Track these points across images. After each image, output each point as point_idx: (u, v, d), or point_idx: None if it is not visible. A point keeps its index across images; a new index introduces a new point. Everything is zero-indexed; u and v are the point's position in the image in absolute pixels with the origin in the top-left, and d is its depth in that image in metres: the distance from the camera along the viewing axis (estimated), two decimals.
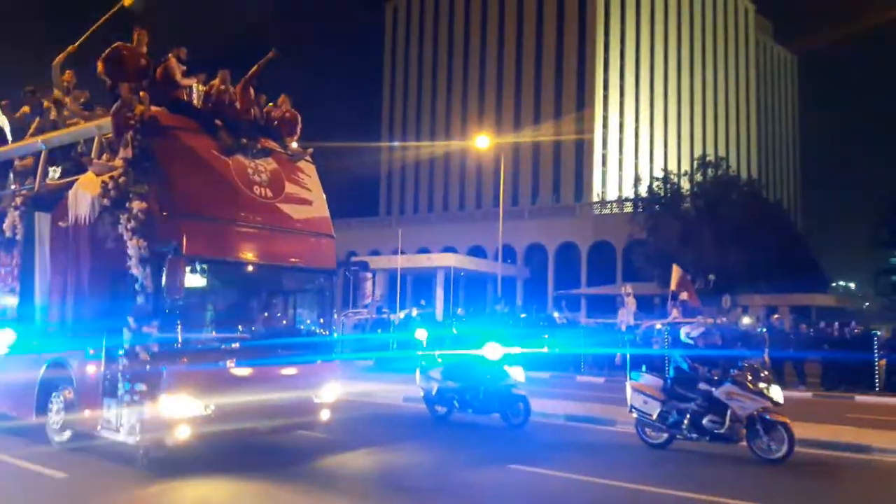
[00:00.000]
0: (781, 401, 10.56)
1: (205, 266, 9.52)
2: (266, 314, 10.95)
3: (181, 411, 9.09)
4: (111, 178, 9.77)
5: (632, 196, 60.18)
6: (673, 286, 30.71)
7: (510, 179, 66.80)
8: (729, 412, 10.47)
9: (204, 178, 9.88)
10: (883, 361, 21.39)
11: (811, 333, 26.00)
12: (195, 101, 10.80)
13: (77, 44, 12.67)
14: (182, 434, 9.12)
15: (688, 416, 10.87)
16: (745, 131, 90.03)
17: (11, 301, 11.53)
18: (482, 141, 51.55)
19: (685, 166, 62.16)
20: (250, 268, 10.22)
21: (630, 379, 11.70)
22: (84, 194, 10.09)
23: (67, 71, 12.12)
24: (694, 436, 10.88)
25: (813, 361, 23.24)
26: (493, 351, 13.09)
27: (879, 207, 78.10)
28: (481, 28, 76.80)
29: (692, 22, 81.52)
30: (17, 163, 12.74)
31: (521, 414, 13.04)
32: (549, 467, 9.87)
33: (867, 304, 64.51)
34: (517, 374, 13.13)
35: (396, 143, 80.00)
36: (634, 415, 11.50)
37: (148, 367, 9.01)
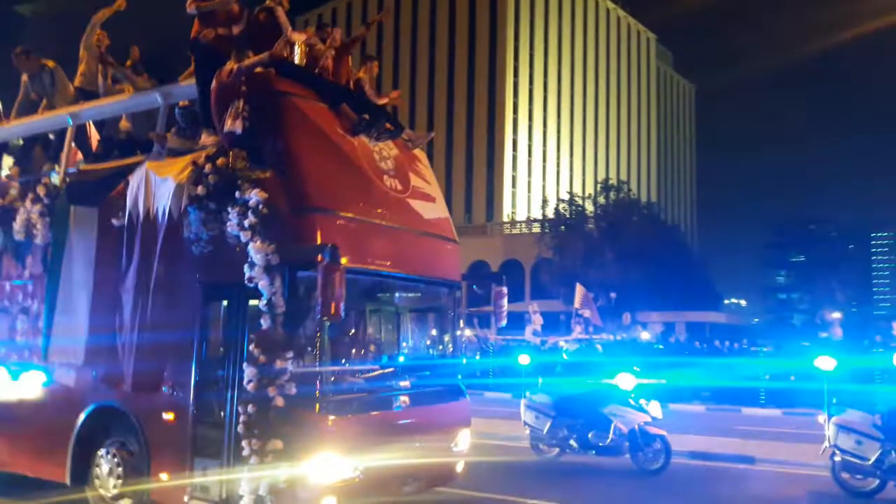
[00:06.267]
0: None
1: (355, 278, 6.80)
2: (397, 339, 8.27)
3: (328, 476, 6.35)
4: (206, 158, 6.93)
5: (540, 217, 59.62)
6: (576, 304, 29.83)
7: None
8: None
9: (336, 163, 7.16)
10: (767, 376, 21.21)
11: (705, 348, 26.60)
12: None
13: None
14: None
15: None
16: (646, 156, 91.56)
17: (25, 326, 8.32)
18: None
19: (589, 189, 62.13)
20: (389, 280, 7.59)
21: (832, 414, 9.67)
22: (163, 181, 7.14)
23: (98, 30, 9.03)
24: None
25: None
26: (626, 381, 10.81)
27: (768, 229, 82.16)
28: (394, 50, 74.67)
29: (597, 51, 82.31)
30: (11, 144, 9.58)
31: (661, 456, 10.64)
32: None
33: (756, 319, 66.29)
34: (654, 409, 10.89)
35: None
36: (839, 457, 9.43)
37: (286, 416, 6.24)
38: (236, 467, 6.43)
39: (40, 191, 8.19)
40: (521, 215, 68.66)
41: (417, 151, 8.64)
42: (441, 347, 8.36)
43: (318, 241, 6.44)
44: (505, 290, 8.71)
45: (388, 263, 7.31)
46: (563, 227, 51.42)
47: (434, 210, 8.22)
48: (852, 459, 9.28)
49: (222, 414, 6.67)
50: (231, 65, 6.84)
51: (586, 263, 47.49)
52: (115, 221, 7.53)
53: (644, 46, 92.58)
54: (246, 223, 6.51)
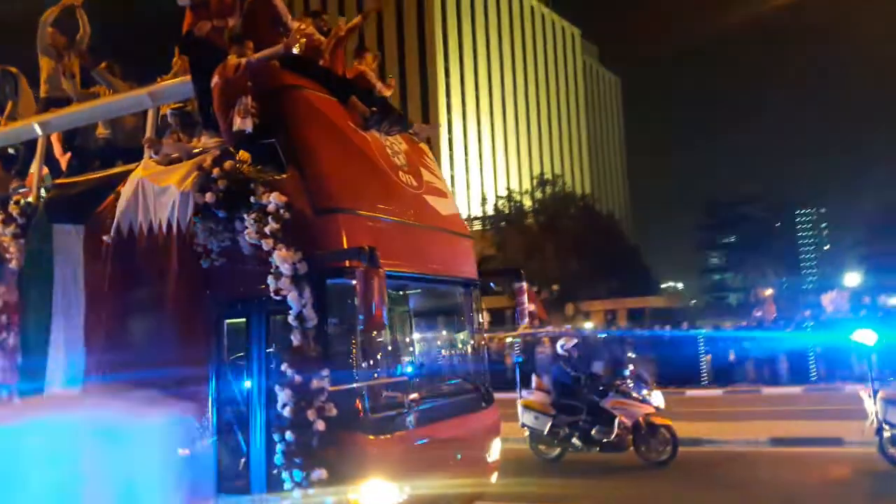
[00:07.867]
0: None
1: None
2: (425, 346, 7.67)
3: (378, 502, 5.73)
4: (213, 162, 6.22)
5: (479, 214, 59.54)
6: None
7: None
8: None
9: (354, 160, 6.55)
10: (708, 356, 21.09)
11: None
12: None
13: None
14: None
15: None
16: (577, 149, 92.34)
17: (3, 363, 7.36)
18: None
19: (526, 185, 62.40)
20: (415, 282, 7.01)
21: (877, 389, 9.28)
22: (163, 191, 6.37)
23: (48, 28, 8.07)
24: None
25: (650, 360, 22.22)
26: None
27: (698, 212, 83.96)
28: None
29: (524, 49, 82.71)
30: None
31: (668, 446, 10.26)
32: None
33: (693, 301, 67.39)
34: (656, 398, 10.52)
35: None
36: (888, 432, 9.01)
37: (329, 441, 5.59)
38: (273, 502, 5.75)
39: (13, 210, 7.27)
40: (461, 214, 68.53)
41: (422, 145, 8.11)
42: (466, 351, 7.80)
43: (344, 244, 5.85)
44: (525, 284, 8.19)
45: (414, 264, 6.73)
46: (503, 224, 51.53)
47: (448, 206, 7.71)
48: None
49: (250, 444, 5.98)
50: (235, 59, 6.14)
51: (527, 258, 47.55)
52: (105, 239, 6.70)
53: (569, 42, 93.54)
54: (267, 230, 5.83)
